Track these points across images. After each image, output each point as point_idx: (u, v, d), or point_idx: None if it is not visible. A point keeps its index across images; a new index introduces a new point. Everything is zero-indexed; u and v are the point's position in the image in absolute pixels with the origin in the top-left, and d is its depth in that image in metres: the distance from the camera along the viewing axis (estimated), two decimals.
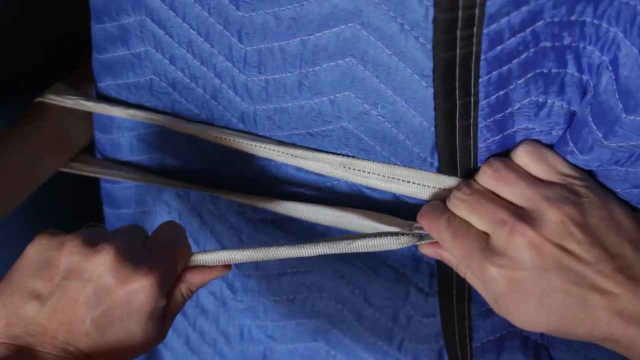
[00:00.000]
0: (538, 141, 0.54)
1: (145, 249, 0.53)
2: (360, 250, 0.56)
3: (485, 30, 0.46)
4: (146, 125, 0.68)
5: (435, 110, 0.51)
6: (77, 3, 0.74)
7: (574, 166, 0.53)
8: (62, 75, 0.74)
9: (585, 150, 0.50)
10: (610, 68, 0.47)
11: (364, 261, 0.63)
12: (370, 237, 0.55)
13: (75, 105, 0.68)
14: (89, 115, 0.73)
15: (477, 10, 0.45)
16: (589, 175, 0.53)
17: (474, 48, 0.47)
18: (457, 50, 0.47)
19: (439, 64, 0.49)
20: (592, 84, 0.49)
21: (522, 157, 0.53)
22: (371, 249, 0.56)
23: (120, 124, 0.70)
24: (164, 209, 0.72)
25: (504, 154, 0.55)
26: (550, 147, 0.53)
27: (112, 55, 0.65)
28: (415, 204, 0.58)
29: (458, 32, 0.47)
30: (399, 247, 0.56)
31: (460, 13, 0.46)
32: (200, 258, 0.56)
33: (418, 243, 0.56)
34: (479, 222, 0.52)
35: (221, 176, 0.67)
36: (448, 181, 0.56)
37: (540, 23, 0.46)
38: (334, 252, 0.55)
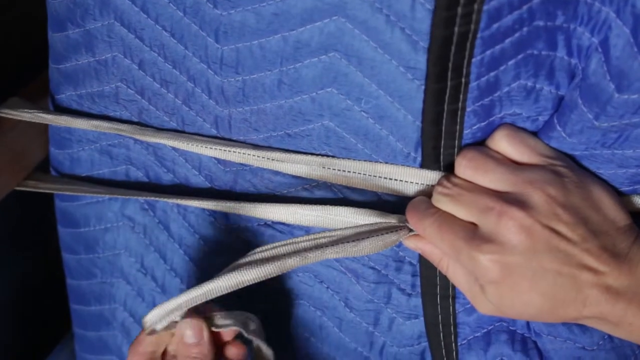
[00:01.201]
0: (513, 125, 0.54)
1: None
2: (366, 253, 0.55)
3: (485, 7, 0.46)
4: (109, 137, 0.66)
5: (426, 92, 0.51)
6: (24, 18, 0.73)
7: (553, 148, 0.53)
8: (16, 91, 0.71)
9: (574, 133, 0.51)
10: (600, 50, 0.48)
11: (344, 264, 0.62)
12: (372, 235, 0.55)
13: (34, 119, 0.65)
14: (44, 130, 0.70)
15: None
16: (570, 158, 0.54)
17: (472, 26, 0.47)
18: (456, 29, 0.47)
19: (435, 43, 0.48)
20: (580, 68, 0.50)
21: (501, 141, 0.53)
22: (377, 250, 0.55)
23: (81, 136, 0.67)
24: (127, 224, 0.69)
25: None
26: (534, 133, 0.54)
27: (74, 64, 0.63)
28: (398, 203, 0.58)
29: (459, 9, 0.47)
30: (395, 243, 0.56)
31: None
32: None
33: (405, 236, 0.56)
34: (464, 213, 0.52)
35: (192, 185, 0.65)
36: (431, 176, 0.56)
37: (537, 0, 0.47)
38: (340, 256, 0.55)
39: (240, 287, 0.55)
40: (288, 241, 0.57)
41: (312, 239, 0.56)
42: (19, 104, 0.68)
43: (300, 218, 0.59)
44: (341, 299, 0.63)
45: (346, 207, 0.58)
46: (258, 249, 0.57)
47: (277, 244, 0.56)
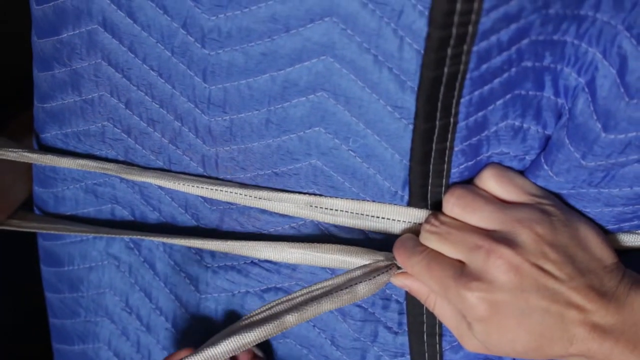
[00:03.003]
0: (500, 164, 0.54)
1: None
2: (362, 298, 0.56)
3: (474, 48, 0.47)
4: (95, 175, 0.66)
5: (414, 131, 0.52)
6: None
7: (540, 187, 0.54)
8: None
9: (561, 173, 0.51)
10: (587, 90, 0.48)
11: None
12: (364, 279, 0.56)
13: (19, 158, 0.65)
14: (28, 169, 0.70)
15: (470, 28, 0.46)
16: (557, 197, 0.54)
17: (462, 67, 0.48)
18: (445, 69, 0.48)
19: (425, 83, 0.49)
20: (567, 108, 0.51)
21: (489, 180, 0.54)
22: (372, 293, 0.56)
23: (66, 175, 0.67)
24: (112, 263, 0.69)
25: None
26: (521, 172, 0.54)
27: (60, 103, 0.63)
28: (386, 241, 0.58)
29: (449, 50, 0.47)
30: (386, 283, 0.56)
31: (454, 30, 0.46)
32: None
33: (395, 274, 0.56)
34: (452, 251, 0.53)
35: (178, 224, 0.65)
36: (419, 214, 0.56)
37: (525, 41, 0.48)
38: (337, 307, 0.56)
39: (241, 350, 0.56)
40: (284, 298, 0.57)
41: (307, 293, 0.57)
42: (3, 143, 0.68)
43: (287, 256, 0.60)
44: (327, 337, 0.63)
45: (333, 245, 0.58)
46: (254, 311, 0.57)
47: (273, 302, 0.57)
